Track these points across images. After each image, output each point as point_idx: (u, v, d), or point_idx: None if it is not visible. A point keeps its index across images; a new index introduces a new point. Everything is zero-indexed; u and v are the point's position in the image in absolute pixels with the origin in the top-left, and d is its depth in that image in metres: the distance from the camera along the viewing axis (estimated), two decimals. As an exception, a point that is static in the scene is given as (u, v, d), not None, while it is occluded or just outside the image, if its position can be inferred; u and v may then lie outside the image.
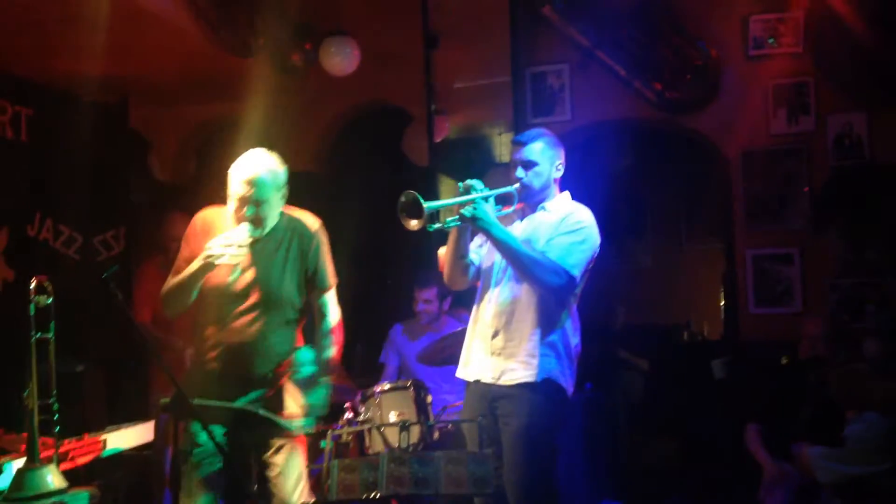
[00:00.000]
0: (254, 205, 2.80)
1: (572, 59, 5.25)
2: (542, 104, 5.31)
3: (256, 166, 2.83)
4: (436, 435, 3.40)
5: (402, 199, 2.66)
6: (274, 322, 2.82)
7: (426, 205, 2.63)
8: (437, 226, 2.78)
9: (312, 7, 5.14)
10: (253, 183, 2.79)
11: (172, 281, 2.74)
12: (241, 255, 2.73)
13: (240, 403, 2.72)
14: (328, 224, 6.43)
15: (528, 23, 5.23)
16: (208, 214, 2.85)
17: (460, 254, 2.96)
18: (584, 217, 2.94)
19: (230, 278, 2.80)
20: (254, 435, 2.70)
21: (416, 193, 2.66)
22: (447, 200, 2.78)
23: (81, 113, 4.55)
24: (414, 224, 2.66)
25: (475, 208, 2.76)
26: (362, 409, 3.57)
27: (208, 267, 2.70)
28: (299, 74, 5.16)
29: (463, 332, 3.18)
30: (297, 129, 5.74)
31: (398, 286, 5.97)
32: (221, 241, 2.72)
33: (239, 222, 2.79)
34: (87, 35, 3.87)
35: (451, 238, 2.94)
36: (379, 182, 6.11)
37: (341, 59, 4.92)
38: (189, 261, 2.74)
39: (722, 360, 5.16)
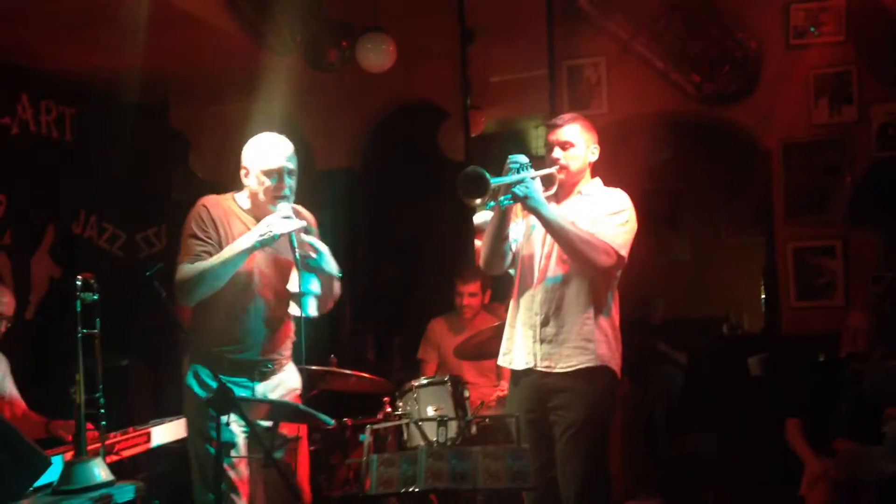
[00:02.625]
0: (290, 175, 2.81)
1: (609, 51, 5.20)
2: (578, 97, 5.26)
3: (283, 140, 2.85)
4: (473, 430, 3.39)
5: (466, 174, 2.63)
6: (283, 308, 2.83)
7: (492, 181, 2.61)
8: (492, 204, 2.78)
9: (349, 4, 5.16)
10: (288, 154, 2.81)
11: (202, 265, 2.67)
12: (297, 225, 2.73)
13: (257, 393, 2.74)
14: (366, 219, 6.49)
15: (564, 15, 5.18)
16: (216, 200, 2.83)
17: (504, 234, 2.94)
18: (623, 199, 2.94)
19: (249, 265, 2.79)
20: (275, 432, 2.71)
21: (482, 168, 2.64)
22: (503, 178, 2.76)
23: (123, 113, 4.62)
24: (477, 201, 2.64)
25: (527, 187, 2.74)
26: (400, 404, 3.57)
27: (267, 241, 2.69)
28: (336, 71, 5.18)
29: (501, 327, 3.16)
30: (334, 125, 5.79)
31: (436, 281, 5.99)
32: (280, 215, 2.71)
33: (273, 197, 2.78)
34: (128, 36, 3.93)
35: (495, 218, 2.92)
36: (415, 177, 6.15)
37: (377, 55, 4.93)
38: (209, 246, 2.71)
39: (758, 356, 5.08)
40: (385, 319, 6.05)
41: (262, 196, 2.80)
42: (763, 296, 6.48)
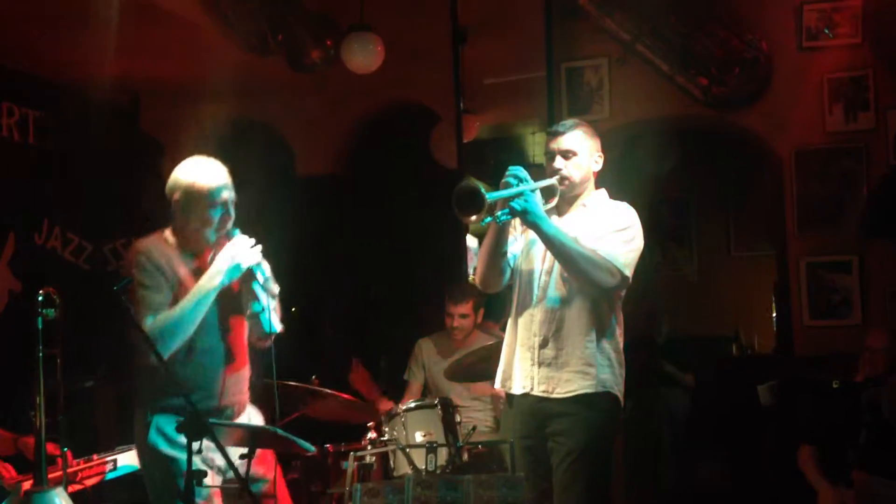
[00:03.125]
0: (233, 206, 2.82)
1: (611, 53, 5.21)
2: (578, 102, 5.28)
3: (220, 165, 2.84)
4: (465, 457, 3.38)
5: (460, 189, 2.64)
6: (240, 343, 2.88)
7: (488, 196, 2.62)
8: (488, 220, 2.78)
9: (333, 1, 5.17)
10: (229, 183, 2.82)
11: (171, 316, 2.61)
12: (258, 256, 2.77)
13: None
14: (351, 230, 6.48)
15: (562, 14, 5.19)
16: (149, 244, 2.77)
17: (501, 250, 2.94)
18: (629, 215, 2.94)
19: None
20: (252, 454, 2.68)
21: (478, 183, 2.65)
22: (501, 192, 2.76)
23: (91, 115, 4.61)
24: (473, 218, 2.65)
25: (526, 201, 2.74)
26: (386, 429, 3.56)
27: (235, 275, 2.71)
28: (319, 72, 5.19)
29: (496, 346, 3.16)
30: (318, 130, 5.79)
31: (425, 297, 5.97)
32: (243, 244, 2.72)
33: (222, 228, 2.78)
34: (97, 32, 3.92)
35: (492, 234, 2.92)
36: (404, 186, 6.14)
37: (364, 55, 4.93)
38: (163, 294, 2.66)
39: (768, 385, 5.09)
40: (369, 338, 6.03)
41: (203, 229, 2.76)
42: (774, 314, 6.48)
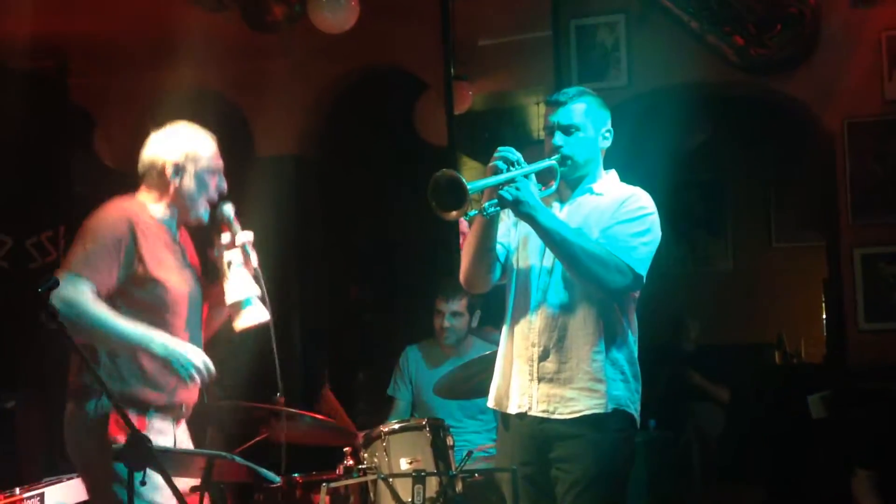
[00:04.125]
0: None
1: (630, 7, 5.22)
2: (590, 66, 5.29)
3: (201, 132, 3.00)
4: (458, 487, 3.38)
5: (436, 180, 2.63)
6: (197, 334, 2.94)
7: (469, 186, 2.62)
8: (473, 213, 2.78)
9: (299, -53, 5.16)
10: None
11: (103, 320, 2.73)
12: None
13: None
14: (320, 220, 6.49)
15: (572, -38, 5.22)
16: (136, 210, 2.91)
17: (488, 245, 2.93)
18: (645, 202, 2.92)
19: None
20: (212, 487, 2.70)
21: (456, 172, 2.64)
22: (487, 180, 2.76)
23: (10, 83, 4.58)
24: (453, 214, 2.64)
25: (518, 189, 2.73)
26: (365, 455, 3.56)
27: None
28: (282, 32, 5.16)
29: (491, 356, 3.15)
30: (280, 101, 5.75)
31: (411, 299, 5.97)
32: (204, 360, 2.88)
33: (202, 203, 2.94)
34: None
35: (477, 228, 2.92)
36: (384, 167, 6.14)
37: (335, 12, 4.92)
38: (129, 270, 2.79)
39: (821, 394, 5.11)
40: (347, 348, 6.03)
41: (198, 205, 2.94)
42: (824, 315, 6.51)
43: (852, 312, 5.00)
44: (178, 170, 2.91)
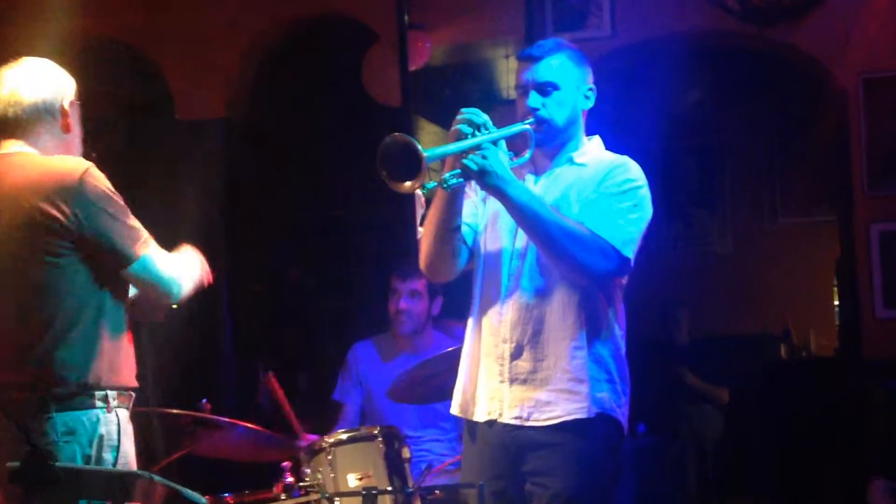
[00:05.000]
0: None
1: (613, -56, 5.23)
2: (567, 13, 5.28)
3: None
4: (418, 506, 3.38)
5: (387, 145, 2.60)
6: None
7: (426, 153, 2.59)
8: (432, 185, 2.76)
9: None
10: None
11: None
12: None
13: None
14: (254, 195, 6.43)
15: None
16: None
17: (451, 224, 2.92)
18: (634, 173, 2.92)
19: None
20: None
21: (410, 137, 2.61)
22: (447, 146, 2.74)
23: None
24: (407, 185, 2.62)
25: (484, 157, 2.72)
26: (308, 471, 3.55)
27: None
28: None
29: (455, 353, 3.15)
30: (204, 56, 5.71)
31: (361, 288, 5.95)
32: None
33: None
34: None
35: (438, 203, 2.90)
36: (328, 131, 6.09)
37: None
38: None
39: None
40: (285, 345, 6.00)
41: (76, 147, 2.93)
42: (837, 302, 6.58)
43: (868, 298, 5.04)
44: (73, 109, 2.92)
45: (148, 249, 2.82)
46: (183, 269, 2.96)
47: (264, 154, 6.00)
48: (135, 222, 2.83)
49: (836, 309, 6.62)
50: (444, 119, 5.24)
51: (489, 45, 6.24)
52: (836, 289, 6.51)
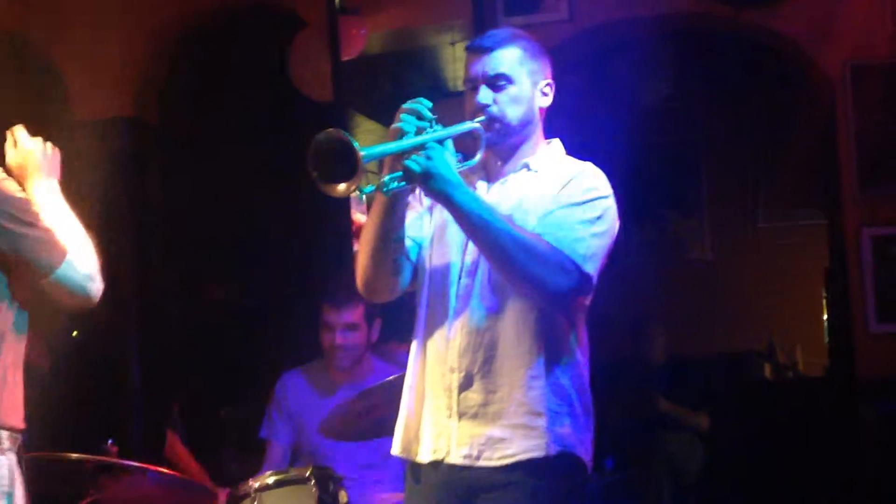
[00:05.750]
0: None
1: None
2: (521, -6, 5.30)
3: None
4: (356, 558, 3.38)
5: (318, 143, 2.58)
6: None
7: (363, 152, 2.58)
8: (369, 189, 2.74)
9: None
10: None
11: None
12: None
13: None
14: (167, 205, 6.34)
15: None
16: None
17: (391, 235, 2.90)
18: (597, 181, 2.90)
19: None
20: None
21: (345, 133, 2.58)
22: (387, 145, 2.72)
23: None
24: (341, 188, 2.60)
25: (429, 157, 2.70)
26: (231, 520, 3.53)
27: None
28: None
29: (398, 382, 3.12)
30: (107, 47, 5.68)
31: (290, 307, 5.91)
32: None
33: None
34: None
35: (377, 211, 2.89)
36: (250, 130, 6.06)
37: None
38: None
39: None
40: (206, 373, 5.96)
41: None
42: (826, 315, 6.64)
43: (861, 311, 5.09)
44: None
45: (67, 251, 2.79)
46: (93, 260, 2.93)
47: (179, 157, 5.96)
48: (47, 224, 2.80)
49: (826, 323, 6.68)
50: (383, 115, 5.25)
51: (432, 31, 6.25)
52: (825, 300, 6.57)
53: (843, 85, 5.09)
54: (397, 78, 6.46)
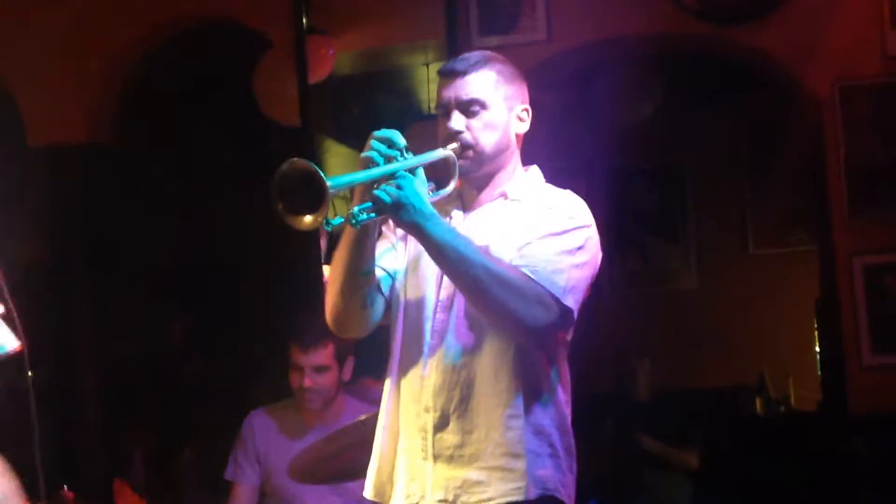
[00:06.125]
0: None
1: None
2: (496, 14, 5.31)
3: None
4: None
5: (283, 174, 2.58)
6: None
7: (329, 182, 2.60)
8: (338, 221, 2.74)
9: None
10: None
11: None
12: None
13: None
14: (123, 232, 6.33)
15: None
16: None
17: (361, 268, 2.91)
18: (576, 211, 2.92)
19: None
20: None
21: (310, 162, 2.59)
22: (356, 174, 2.73)
23: None
24: (307, 221, 2.61)
25: (400, 187, 2.72)
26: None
27: None
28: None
29: (371, 421, 3.13)
30: (62, 71, 5.68)
31: (258, 343, 5.91)
32: None
33: None
34: None
35: (346, 243, 2.89)
36: (212, 158, 6.06)
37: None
38: None
39: None
40: (167, 413, 5.93)
41: None
42: (817, 347, 6.66)
43: (854, 343, 5.11)
44: None
45: None
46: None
47: (136, 186, 5.95)
48: None
49: (817, 353, 6.69)
50: (353, 139, 5.26)
51: (405, 52, 6.27)
52: (816, 331, 6.57)
53: (831, 106, 5.11)
54: (368, 100, 6.47)
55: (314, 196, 2.58)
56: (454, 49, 5.25)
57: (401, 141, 2.78)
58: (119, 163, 5.87)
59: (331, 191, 2.58)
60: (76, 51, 5.65)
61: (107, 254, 5.77)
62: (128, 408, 5.76)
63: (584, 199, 2.97)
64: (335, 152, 6.17)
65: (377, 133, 2.79)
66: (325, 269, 5.07)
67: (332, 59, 5.60)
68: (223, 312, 6.19)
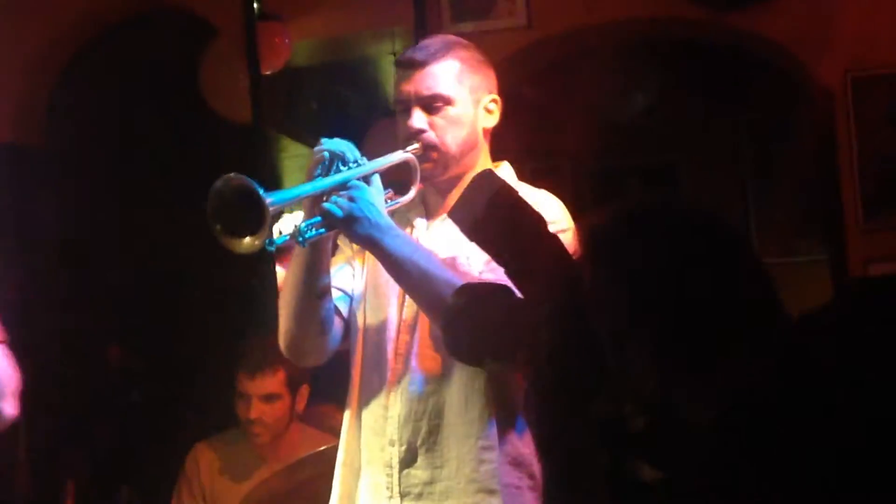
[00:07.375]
0: None
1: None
2: (470, -1, 5.34)
3: None
4: None
5: (218, 191, 2.60)
6: None
7: (270, 199, 2.58)
8: (282, 240, 2.74)
9: None
10: None
11: None
12: None
13: None
14: (52, 245, 6.31)
15: None
16: None
17: (315, 290, 2.90)
18: (555, 214, 2.90)
19: None
20: None
21: (246, 178, 2.60)
22: (299, 187, 2.75)
23: None
24: (246, 242, 2.60)
25: (352, 199, 2.72)
26: None
27: None
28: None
29: (332, 452, 3.14)
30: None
31: (207, 369, 5.88)
32: None
33: None
34: None
35: (296, 264, 2.88)
36: (153, 161, 6.03)
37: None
38: None
39: None
40: (101, 448, 5.91)
41: None
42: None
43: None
44: None
45: None
46: None
47: (68, 192, 5.91)
48: None
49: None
50: (312, 137, 5.25)
51: (369, 40, 6.27)
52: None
53: (843, 98, 5.14)
54: (328, 94, 6.47)
55: (253, 214, 2.58)
56: (424, 37, 5.24)
57: (354, 152, 2.79)
58: (48, 165, 5.86)
59: (271, 207, 2.57)
60: (2, 35, 5.62)
61: (36, 268, 5.74)
62: (64, 440, 5.73)
63: (569, 204, 2.96)
64: (291, 152, 6.15)
65: (325, 140, 2.78)
66: (280, 273, 5.08)
67: (287, 49, 5.59)
68: (165, 333, 6.15)
